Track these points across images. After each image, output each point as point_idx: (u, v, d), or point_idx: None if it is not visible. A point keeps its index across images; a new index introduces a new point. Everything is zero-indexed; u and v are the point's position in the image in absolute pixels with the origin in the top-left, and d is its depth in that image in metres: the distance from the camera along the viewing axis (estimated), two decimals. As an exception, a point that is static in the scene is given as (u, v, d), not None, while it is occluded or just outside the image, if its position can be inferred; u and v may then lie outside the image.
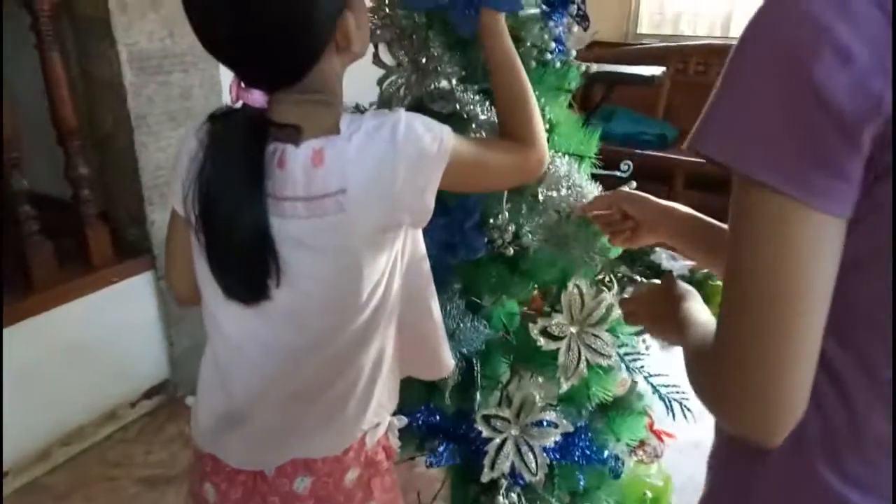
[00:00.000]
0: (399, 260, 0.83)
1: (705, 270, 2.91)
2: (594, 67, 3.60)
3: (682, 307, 0.72)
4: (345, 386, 0.84)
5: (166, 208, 1.99)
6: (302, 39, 0.71)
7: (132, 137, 1.83)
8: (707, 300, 2.39)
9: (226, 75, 2.04)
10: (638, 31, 4.22)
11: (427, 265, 0.92)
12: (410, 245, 0.86)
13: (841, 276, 0.46)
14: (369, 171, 0.72)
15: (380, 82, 1.09)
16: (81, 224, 1.82)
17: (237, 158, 0.73)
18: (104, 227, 1.88)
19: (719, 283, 2.01)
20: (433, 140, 0.74)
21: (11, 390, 1.62)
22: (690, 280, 2.94)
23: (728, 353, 0.49)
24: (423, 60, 1.02)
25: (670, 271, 0.82)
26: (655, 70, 3.43)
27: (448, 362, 0.99)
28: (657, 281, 0.87)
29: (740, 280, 0.48)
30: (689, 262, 3.03)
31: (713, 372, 0.51)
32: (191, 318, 2.09)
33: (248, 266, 0.75)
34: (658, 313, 0.81)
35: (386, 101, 1.07)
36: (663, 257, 3.11)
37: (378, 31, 1.08)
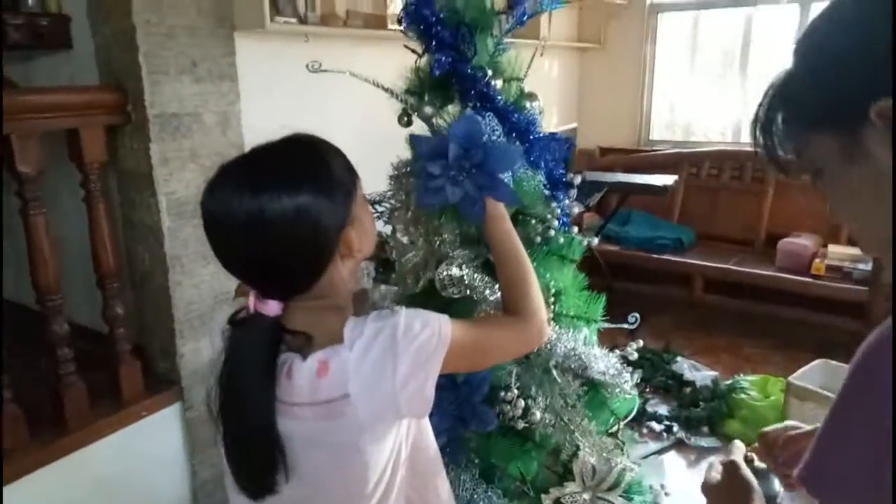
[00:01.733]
0: (403, 448, 0.88)
1: (729, 381, 2.88)
2: (609, 177, 3.75)
3: None
4: None
5: (196, 340, 2.07)
6: (308, 258, 0.80)
7: (167, 276, 1.94)
8: (729, 413, 2.34)
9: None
10: (650, 138, 4.37)
11: (434, 450, 0.96)
12: (415, 432, 0.91)
13: None
14: (370, 375, 0.78)
15: (398, 257, 1.18)
16: (115, 362, 1.90)
17: (250, 368, 0.80)
18: (136, 362, 1.96)
19: (744, 396, 2.00)
20: (431, 335, 0.80)
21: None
22: (714, 391, 2.90)
23: None
24: (437, 244, 1.10)
25: (734, 461, 0.81)
26: (667, 179, 3.54)
27: None
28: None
29: None
30: (712, 373, 3.01)
31: None
32: (213, 447, 2.13)
33: (256, 464, 0.81)
34: None
35: (402, 278, 1.15)
36: (685, 367, 3.09)
37: (396, 214, 1.18)
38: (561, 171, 1.12)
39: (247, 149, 0.83)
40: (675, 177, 3.63)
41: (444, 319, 0.82)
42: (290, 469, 0.80)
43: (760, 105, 0.60)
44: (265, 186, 0.75)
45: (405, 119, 1.18)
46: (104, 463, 1.85)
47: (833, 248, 3.41)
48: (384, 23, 2.59)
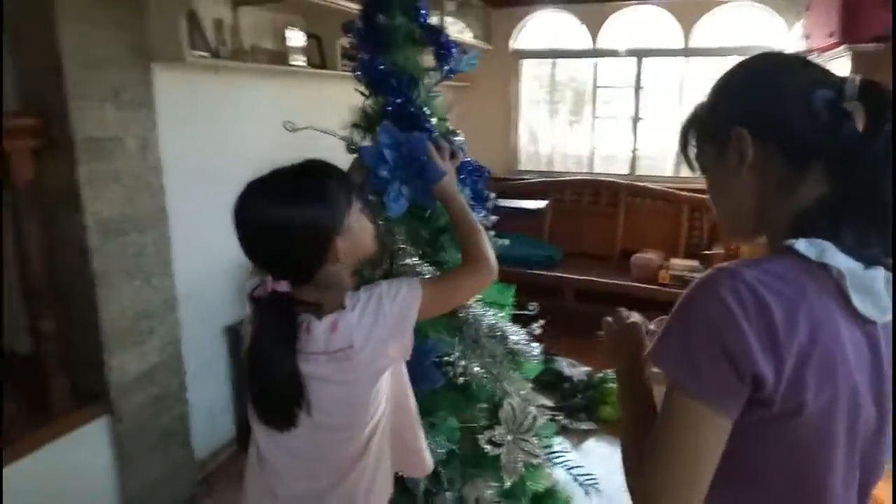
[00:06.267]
0: (389, 384, 1.15)
1: (600, 375, 3.34)
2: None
3: (631, 373, 0.93)
4: (351, 484, 1.12)
5: (122, 353, 2.14)
6: (307, 256, 1.05)
7: (94, 291, 2.02)
8: (602, 400, 2.79)
9: (175, 233, 2.26)
10: (518, 168, 4.89)
11: (408, 381, 1.23)
12: (398, 373, 1.19)
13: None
14: (368, 329, 1.05)
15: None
16: (44, 376, 1.93)
17: (276, 328, 1.05)
18: (64, 378, 1.99)
19: (612, 385, 2.55)
20: (408, 290, 1.08)
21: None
22: (588, 383, 3.34)
23: (651, 484, 0.73)
24: (391, 243, 1.37)
25: (636, 323, 0.98)
26: (540, 203, 4.03)
27: (429, 462, 1.30)
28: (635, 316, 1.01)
29: (665, 449, 0.73)
30: (586, 368, 3.47)
31: (640, 485, 0.75)
32: (141, 459, 2.19)
33: (284, 401, 1.05)
34: (618, 350, 0.98)
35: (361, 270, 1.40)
36: (563, 365, 3.53)
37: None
38: (481, 188, 1.43)
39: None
40: (547, 201, 4.12)
41: (415, 281, 1.10)
42: (309, 403, 1.02)
43: (685, 121, 0.89)
44: (278, 201, 1.01)
45: (352, 148, 1.44)
46: (32, 479, 1.86)
47: (674, 261, 4.05)
48: (285, 59, 2.81)
